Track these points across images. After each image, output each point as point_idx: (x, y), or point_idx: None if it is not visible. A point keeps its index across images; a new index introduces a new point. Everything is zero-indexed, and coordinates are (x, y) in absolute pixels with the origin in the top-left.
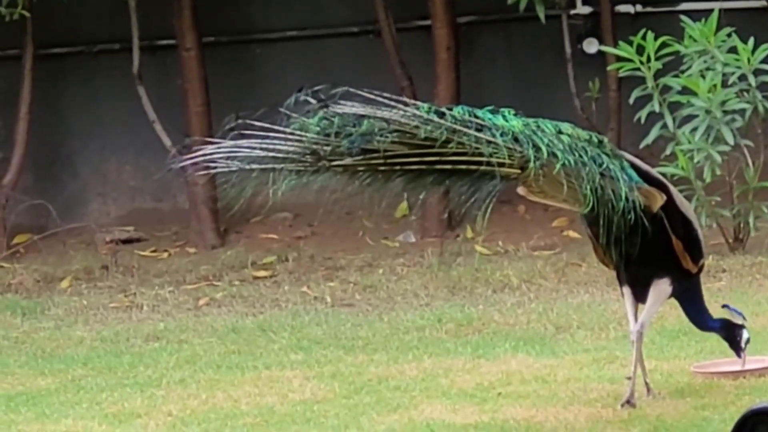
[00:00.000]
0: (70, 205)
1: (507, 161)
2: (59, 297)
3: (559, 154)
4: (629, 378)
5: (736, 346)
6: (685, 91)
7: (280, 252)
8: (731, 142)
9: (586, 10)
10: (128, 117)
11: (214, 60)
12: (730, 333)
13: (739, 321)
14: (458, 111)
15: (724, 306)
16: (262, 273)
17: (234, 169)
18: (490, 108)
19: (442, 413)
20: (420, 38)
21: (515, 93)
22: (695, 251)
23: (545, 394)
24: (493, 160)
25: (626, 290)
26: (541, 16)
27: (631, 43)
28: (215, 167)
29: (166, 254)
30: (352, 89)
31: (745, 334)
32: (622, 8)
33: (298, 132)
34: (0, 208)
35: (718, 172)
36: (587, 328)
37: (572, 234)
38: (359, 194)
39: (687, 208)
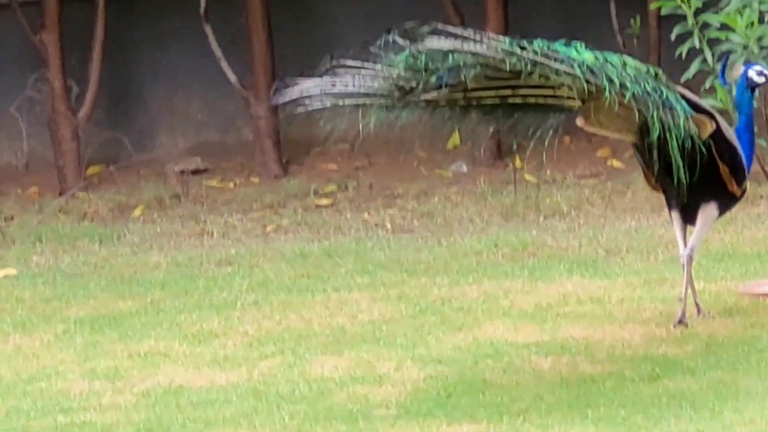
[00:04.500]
0: (140, 138)
1: (572, 95)
2: (133, 225)
3: (628, 84)
4: (681, 299)
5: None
6: (724, 27)
7: (339, 181)
8: None
9: None
10: (195, 55)
11: (276, 1)
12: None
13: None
14: (538, 44)
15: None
16: (323, 201)
17: (328, 105)
18: (562, 41)
19: (504, 332)
20: None
21: (560, 30)
22: (740, 175)
23: (601, 314)
24: (567, 93)
25: (675, 215)
26: None
27: None
28: (311, 103)
29: (232, 184)
30: (437, 25)
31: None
32: None
33: (387, 69)
34: (76, 139)
35: (755, 104)
36: (636, 252)
37: (615, 163)
38: (415, 126)
39: (731, 135)
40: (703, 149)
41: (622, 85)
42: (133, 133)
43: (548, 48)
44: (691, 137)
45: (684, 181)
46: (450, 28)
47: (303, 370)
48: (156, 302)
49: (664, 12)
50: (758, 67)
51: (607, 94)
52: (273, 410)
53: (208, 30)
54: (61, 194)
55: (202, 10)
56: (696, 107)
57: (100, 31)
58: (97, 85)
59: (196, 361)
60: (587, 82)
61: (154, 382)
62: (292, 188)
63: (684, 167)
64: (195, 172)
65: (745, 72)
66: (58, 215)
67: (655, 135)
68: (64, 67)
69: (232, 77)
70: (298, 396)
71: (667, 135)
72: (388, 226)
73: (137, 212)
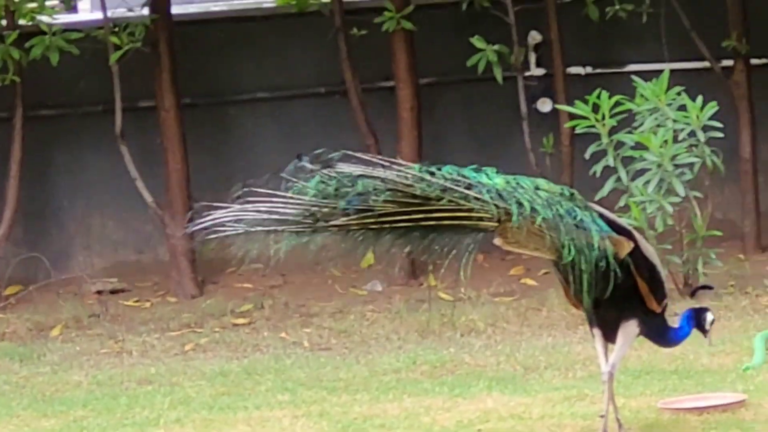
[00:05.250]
0: (57, 258)
1: (487, 216)
2: (52, 344)
3: (539, 208)
4: (602, 416)
5: (702, 330)
6: (638, 146)
7: (255, 300)
8: (682, 193)
9: (540, 72)
10: (111, 175)
11: (191, 120)
12: (698, 321)
13: (705, 304)
14: (447, 170)
15: (695, 289)
16: (240, 320)
17: (240, 231)
18: (473, 167)
19: None
20: (384, 98)
21: (474, 149)
22: (659, 292)
23: (523, 430)
24: (482, 215)
25: (596, 332)
26: (498, 77)
27: (586, 102)
28: (224, 230)
29: (149, 303)
30: (347, 152)
31: (709, 317)
32: (573, 70)
33: (297, 196)
34: None
35: (670, 222)
36: (555, 368)
37: (529, 281)
38: (329, 247)
39: (651, 253)
40: (618, 269)
41: (533, 209)
42: (50, 253)
43: (458, 174)
44: (608, 257)
45: (602, 298)
46: (360, 155)
47: None
48: (79, 420)
49: (579, 131)
50: (712, 317)
51: (515, 218)
52: None
53: (123, 150)
54: None
55: (117, 129)
56: (615, 226)
57: (17, 150)
58: (15, 205)
59: None
60: (496, 207)
61: None
62: (209, 307)
63: (599, 286)
64: (112, 291)
65: (705, 315)
66: None
67: (568, 258)
68: None
69: (148, 197)
70: None
71: (582, 255)
72: (306, 344)
73: (56, 331)
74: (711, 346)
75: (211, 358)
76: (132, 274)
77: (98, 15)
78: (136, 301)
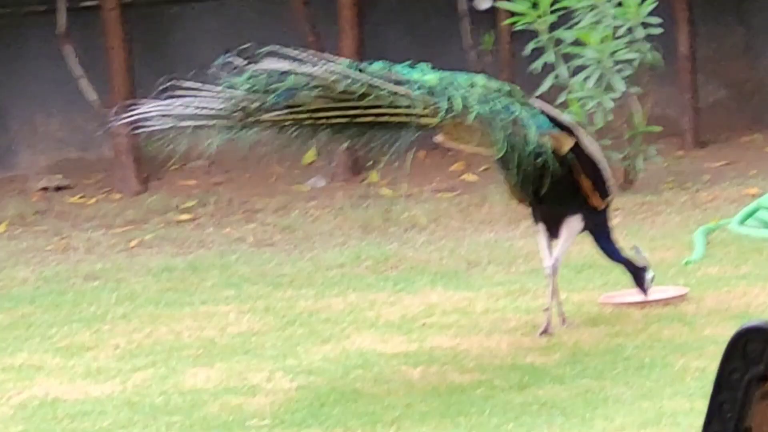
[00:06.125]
0: (1, 156)
1: (422, 113)
2: None
3: (473, 104)
4: (546, 309)
5: (641, 286)
6: (577, 42)
7: (200, 197)
8: (621, 89)
9: None
10: (55, 74)
11: (134, 19)
12: (637, 273)
13: (642, 264)
14: (377, 66)
15: (633, 248)
16: (185, 216)
17: (168, 126)
18: (407, 63)
19: (372, 343)
20: None
21: (413, 47)
22: (603, 189)
23: (467, 324)
24: (411, 111)
25: (540, 227)
26: None
27: None
28: (151, 125)
29: (93, 200)
30: (276, 47)
31: (649, 275)
32: None
33: (227, 90)
34: None
35: (609, 118)
36: (497, 264)
37: (470, 177)
38: (270, 143)
39: (595, 149)
40: (554, 164)
41: (466, 106)
42: None
43: (389, 70)
44: (549, 152)
45: (542, 193)
46: (287, 51)
47: (176, 381)
48: (26, 316)
49: (518, 27)
50: (652, 274)
51: (442, 114)
52: (149, 421)
53: (67, 49)
54: None
55: (61, 29)
56: (557, 122)
57: None
58: None
59: (70, 373)
60: (425, 103)
61: (29, 394)
62: (153, 204)
63: (538, 181)
64: (57, 188)
65: (644, 274)
66: None
67: (499, 153)
68: None
69: (92, 95)
70: (173, 407)
71: (519, 151)
72: (250, 239)
73: (0, 228)
74: (645, 304)
75: (156, 254)
76: (76, 171)
77: None
78: (81, 198)
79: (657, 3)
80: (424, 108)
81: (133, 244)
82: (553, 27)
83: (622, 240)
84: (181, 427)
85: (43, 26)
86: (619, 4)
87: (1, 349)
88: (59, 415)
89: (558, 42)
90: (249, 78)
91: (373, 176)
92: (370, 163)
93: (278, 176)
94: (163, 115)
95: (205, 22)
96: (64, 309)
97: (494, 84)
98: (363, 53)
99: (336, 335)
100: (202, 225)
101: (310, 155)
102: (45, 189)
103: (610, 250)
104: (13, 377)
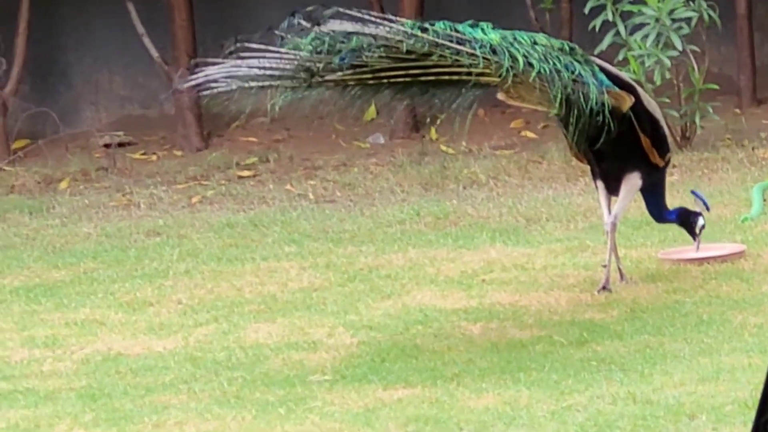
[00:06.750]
0: (65, 113)
1: (486, 71)
2: (61, 197)
3: (534, 62)
4: (605, 265)
5: (691, 232)
6: (636, 0)
7: (260, 153)
8: (679, 47)
9: None
10: (118, 31)
11: None
12: (686, 220)
13: (698, 209)
14: (440, 26)
15: (692, 191)
16: (246, 173)
17: (234, 87)
18: (469, 23)
19: (432, 299)
20: None
21: (474, 7)
22: (662, 147)
23: (526, 280)
24: (473, 70)
25: (600, 184)
26: None
27: None
28: (216, 86)
29: (155, 157)
30: (339, 9)
31: (700, 221)
32: None
33: (292, 51)
34: (1, 115)
35: (668, 76)
36: (556, 220)
37: (529, 134)
38: (333, 103)
39: (654, 107)
40: (613, 122)
41: (528, 64)
42: (58, 109)
43: (452, 29)
44: (608, 110)
45: (602, 150)
46: (351, 12)
47: (237, 337)
48: (89, 272)
49: None
50: (702, 221)
51: (504, 72)
52: (211, 376)
53: (130, 6)
54: None
55: None
56: (617, 80)
57: (25, 8)
58: (23, 62)
59: (133, 328)
60: (488, 61)
61: (92, 349)
62: (215, 160)
63: (598, 139)
64: (120, 145)
65: (696, 219)
66: None
67: (556, 110)
68: None
69: (154, 53)
70: (235, 362)
71: (579, 108)
72: (311, 196)
73: (64, 184)
74: (697, 252)
75: (218, 210)
76: (139, 128)
77: None
78: (143, 154)
79: None
80: (486, 67)
81: (194, 200)
82: None
83: (681, 198)
84: (243, 383)
85: None
86: None
87: (64, 305)
88: (122, 370)
89: (617, 0)
90: (313, 39)
91: (433, 133)
92: (429, 120)
93: (338, 133)
94: (229, 77)
95: None
96: (127, 265)
97: (555, 42)
98: (424, 13)
99: (396, 291)
100: (264, 181)
101: (370, 112)
102: (108, 146)
103: (658, 212)
104: (76, 332)
